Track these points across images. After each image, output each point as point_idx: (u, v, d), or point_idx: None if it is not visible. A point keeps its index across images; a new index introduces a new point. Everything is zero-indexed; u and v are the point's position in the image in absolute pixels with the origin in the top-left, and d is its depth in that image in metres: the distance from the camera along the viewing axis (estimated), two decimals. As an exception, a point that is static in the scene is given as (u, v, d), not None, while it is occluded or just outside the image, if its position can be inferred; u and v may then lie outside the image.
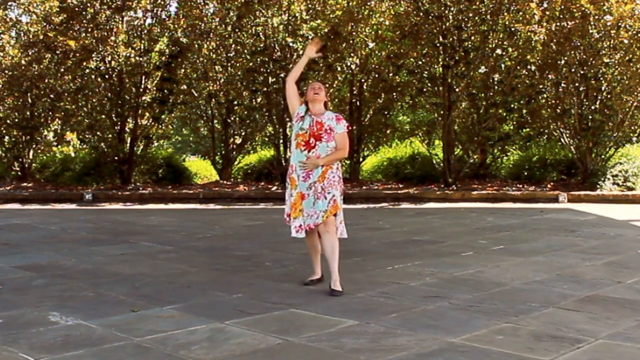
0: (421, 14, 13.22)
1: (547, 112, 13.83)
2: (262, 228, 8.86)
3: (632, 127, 13.65)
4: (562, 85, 13.32)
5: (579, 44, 12.85)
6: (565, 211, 10.42)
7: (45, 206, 12.04)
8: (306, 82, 14.29)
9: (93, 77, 14.11)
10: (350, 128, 5.65)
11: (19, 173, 15.33)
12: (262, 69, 14.00)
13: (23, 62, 14.78)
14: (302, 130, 5.03)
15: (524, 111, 13.96)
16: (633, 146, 14.39)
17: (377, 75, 14.34)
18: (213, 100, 15.00)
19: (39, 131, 15.33)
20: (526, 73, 13.40)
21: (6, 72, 14.89)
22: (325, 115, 5.09)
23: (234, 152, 15.44)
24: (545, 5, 12.90)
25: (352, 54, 14.06)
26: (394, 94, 14.47)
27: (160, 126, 14.91)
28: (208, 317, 4.14)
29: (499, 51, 13.19)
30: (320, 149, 4.97)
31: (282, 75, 13.88)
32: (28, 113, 15.24)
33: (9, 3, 15.04)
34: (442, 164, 13.87)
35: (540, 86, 13.39)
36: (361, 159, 15.43)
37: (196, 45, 14.29)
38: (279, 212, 11.09)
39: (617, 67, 12.96)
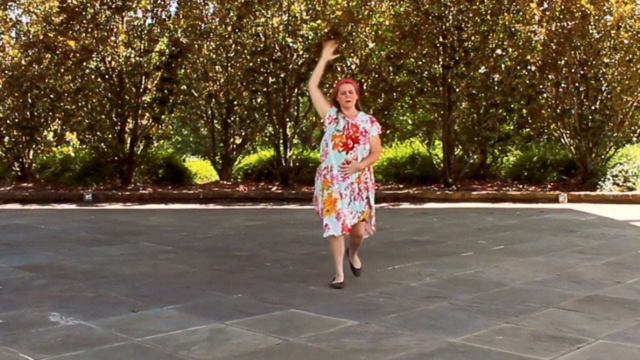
0: (421, 14, 13.22)
1: (547, 112, 13.83)
2: (262, 228, 8.86)
3: (632, 127, 13.65)
4: (562, 85, 13.31)
5: (579, 44, 12.85)
6: (565, 211, 10.42)
7: (45, 206, 12.04)
8: (306, 83, 14.34)
9: (93, 77, 14.11)
10: (383, 131, 5.83)
11: (19, 173, 15.33)
12: (262, 69, 13.99)
13: (23, 62, 14.78)
14: (338, 132, 5.07)
15: (524, 111, 13.95)
16: (633, 146, 14.38)
17: (377, 75, 14.34)
18: (213, 100, 14.99)
19: (39, 131, 15.33)
20: (526, 73, 13.38)
21: (6, 72, 14.89)
22: (359, 117, 5.15)
23: (234, 152, 15.43)
24: (545, 5, 12.89)
25: (352, 54, 14.05)
26: (394, 94, 14.46)
27: (160, 126, 14.92)
28: (208, 317, 4.14)
29: (499, 51, 13.19)
30: (358, 151, 5.05)
31: (282, 75, 13.89)
32: (28, 113, 15.24)
33: (9, 3, 15.04)
34: (442, 164, 13.87)
35: (540, 86, 13.38)
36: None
37: (196, 46, 14.29)
38: (279, 212, 11.15)
39: (617, 67, 12.95)
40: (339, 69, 14.01)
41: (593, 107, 12.96)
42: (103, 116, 14.33)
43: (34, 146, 15.48)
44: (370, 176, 5.18)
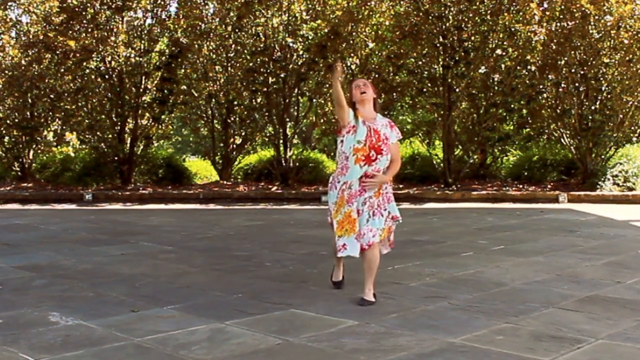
0: (421, 14, 13.22)
1: (547, 112, 13.83)
2: (262, 228, 8.86)
3: (632, 127, 13.66)
4: (562, 85, 13.32)
5: (579, 44, 12.85)
6: (565, 211, 10.42)
7: (45, 206, 12.04)
8: (306, 83, 14.39)
9: (93, 77, 14.11)
10: (403, 135, 5.24)
11: (19, 173, 15.33)
12: (262, 69, 13.99)
13: (23, 62, 14.78)
14: (359, 144, 4.51)
15: (524, 111, 13.96)
16: (633, 146, 14.38)
17: (377, 75, 14.31)
18: (213, 100, 14.99)
19: (39, 131, 15.33)
20: (526, 73, 13.39)
21: (6, 72, 14.89)
22: (379, 121, 4.65)
23: (234, 152, 15.43)
24: (545, 5, 12.90)
25: (352, 54, 14.04)
26: (394, 94, 14.46)
27: (160, 126, 14.92)
28: (208, 317, 4.14)
29: (499, 51, 13.19)
30: (381, 162, 4.56)
31: (282, 75, 13.88)
32: (28, 113, 15.24)
33: (9, 3, 15.04)
34: (442, 164, 13.87)
35: (540, 86, 13.38)
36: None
37: (196, 46, 14.29)
38: (279, 212, 11.15)
39: (617, 67, 12.96)
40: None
41: (593, 107, 12.96)
42: (103, 116, 14.32)
43: (34, 146, 15.47)
44: (390, 188, 4.72)
